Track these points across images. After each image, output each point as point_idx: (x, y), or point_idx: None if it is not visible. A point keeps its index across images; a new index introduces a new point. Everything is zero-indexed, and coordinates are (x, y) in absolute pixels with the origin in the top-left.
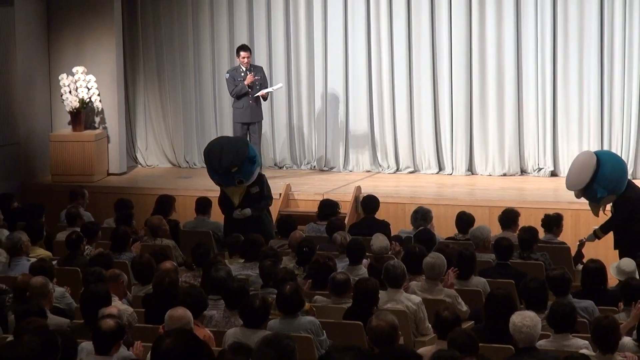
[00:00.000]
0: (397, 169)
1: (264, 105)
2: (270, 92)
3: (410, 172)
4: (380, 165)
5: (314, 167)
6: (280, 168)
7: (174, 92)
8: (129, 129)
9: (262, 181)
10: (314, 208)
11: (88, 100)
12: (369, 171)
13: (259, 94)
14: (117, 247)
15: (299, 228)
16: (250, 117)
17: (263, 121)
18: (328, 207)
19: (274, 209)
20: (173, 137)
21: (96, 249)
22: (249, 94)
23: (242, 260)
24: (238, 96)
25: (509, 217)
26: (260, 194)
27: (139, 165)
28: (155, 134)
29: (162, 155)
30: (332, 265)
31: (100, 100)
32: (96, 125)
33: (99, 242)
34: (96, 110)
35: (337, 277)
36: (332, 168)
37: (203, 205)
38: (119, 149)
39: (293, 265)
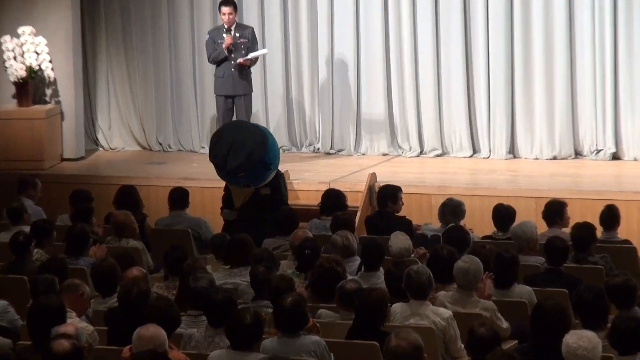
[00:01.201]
0: (421, 152)
1: (255, 74)
2: (253, 59)
3: (438, 156)
4: (400, 147)
5: (318, 149)
6: None
7: (143, 59)
8: (87, 103)
9: (278, 183)
10: (317, 200)
11: (37, 68)
12: (386, 154)
13: (240, 60)
14: (73, 250)
15: (300, 225)
16: (232, 89)
17: (253, 94)
18: (332, 199)
19: None
20: (143, 114)
21: (49, 252)
22: (229, 60)
23: (229, 266)
24: (216, 62)
25: (552, 209)
26: (274, 197)
27: (100, 149)
28: (120, 110)
29: (129, 136)
30: (340, 271)
31: (52, 69)
32: (47, 99)
33: (52, 245)
34: (47, 81)
35: (347, 286)
36: (340, 151)
37: (179, 197)
38: (75, 128)
39: (292, 272)
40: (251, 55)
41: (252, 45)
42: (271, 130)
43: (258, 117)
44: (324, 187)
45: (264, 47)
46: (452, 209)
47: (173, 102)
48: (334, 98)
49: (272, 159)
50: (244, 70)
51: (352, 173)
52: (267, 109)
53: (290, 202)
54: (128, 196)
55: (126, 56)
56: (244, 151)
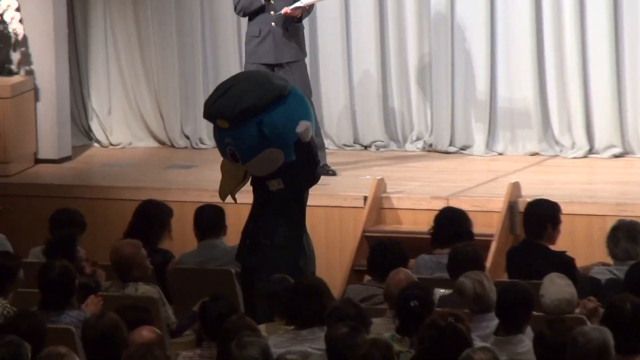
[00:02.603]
0: (591, 150)
1: (308, 33)
2: (305, 6)
3: (617, 156)
4: (557, 144)
5: (430, 146)
6: (366, 148)
7: (159, 14)
8: (76, 76)
9: (296, 175)
10: (429, 225)
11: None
12: (535, 154)
13: (286, 10)
14: (52, 302)
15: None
16: (273, 54)
17: (323, 62)
18: (451, 223)
19: (355, 224)
20: (160, 95)
21: (16, 304)
22: (267, 10)
23: (293, 327)
24: (246, 13)
25: None
26: (290, 197)
27: (95, 145)
28: (126, 87)
29: (139, 127)
30: (465, 332)
31: (21, 20)
32: (14, 68)
33: (18, 291)
34: (13, 42)
35: (475, 356)
36: (464, 149)
37: (211, 220)
38: (57, 113)
39: (391, 335)
40: (301, 2)
41: None
42: (358, 119)
43: (332, 98)
44: (440, 205)
45: None
46: (626, 235)
47: (206, 76)
48: (454, 71)
49: (275, 123)
50: (292, 26)
51: (483, 183)
52: (352, 86)
53: (386, 226)
54: (152, 218)
55: (135, 11)
56: (239, 92)
